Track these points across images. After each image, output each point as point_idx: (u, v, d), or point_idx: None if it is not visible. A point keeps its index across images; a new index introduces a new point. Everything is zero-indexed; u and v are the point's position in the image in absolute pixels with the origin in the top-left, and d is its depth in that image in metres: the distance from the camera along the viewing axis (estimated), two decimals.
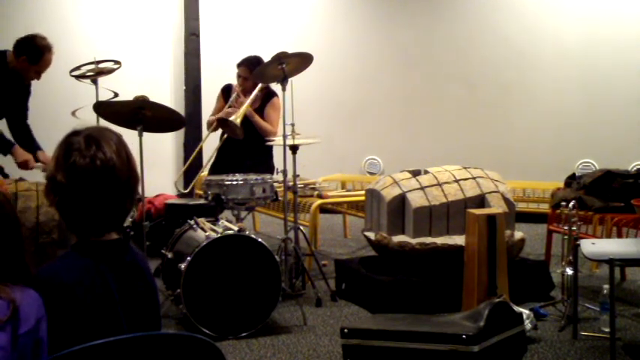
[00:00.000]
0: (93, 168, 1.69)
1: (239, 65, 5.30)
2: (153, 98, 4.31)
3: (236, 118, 4.93)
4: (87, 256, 1.74)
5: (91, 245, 1.76)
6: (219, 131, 5.42)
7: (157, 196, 5.92)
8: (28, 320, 1.52)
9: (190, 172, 6.31)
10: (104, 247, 1.76)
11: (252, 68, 5.07)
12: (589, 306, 4.15)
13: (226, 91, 5.45)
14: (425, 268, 4.32)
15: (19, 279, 1.58)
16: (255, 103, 5.23)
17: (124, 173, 1.74)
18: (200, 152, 6.21)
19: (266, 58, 4.85)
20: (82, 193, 1.70)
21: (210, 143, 5.68)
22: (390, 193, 4.48)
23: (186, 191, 5.72)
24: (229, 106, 5.26)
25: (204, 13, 8.07)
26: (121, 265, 1.77)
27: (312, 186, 5.47)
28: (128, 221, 5.60)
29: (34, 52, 4.58)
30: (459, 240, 4.26)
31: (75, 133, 1.74)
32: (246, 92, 5.20)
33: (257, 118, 5.20)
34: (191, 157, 5.85)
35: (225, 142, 5.36)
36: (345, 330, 3.12)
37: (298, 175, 4.65)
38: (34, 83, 4.90)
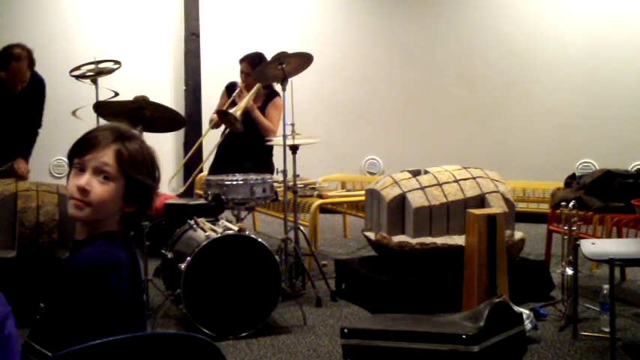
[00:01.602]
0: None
1: (241, 61, 5.32)
2: (153, 98, 4.31)
3: (236, 110, 4.95)
4: (116, 243, 1.80)
5: (122, 234, 1.83)
6: (220, 130, 5.44)
7: None
8: None
9: (189, 170, 6.30)
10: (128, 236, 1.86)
11: (254, 64, 5.11)
12: (589, 306, 4.14)
13: (230, 88, 5.46)
14: (425, 268, 4.32)
15: None
16: (257, 101, 5.25)
17: None
18: (200, 152, 6.19)
19: (266, 58, 4.86)
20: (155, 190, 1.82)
21: (210, 144, 5.67)
22: (390, 193, 4.48)
23: (182, 189, 5.71)
24: (232, 103, 5.27)
25: (204, 13, 8.08)
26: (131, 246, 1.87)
27: (312, 186, 5.47)
28: None
29: (1, 60, 4.57)
30: (459, 240, 4.26)
31: (140, 139, 1.81)
32: (249, 88, 5.22)
33: (258, 113, 5.21)
34: (189, 154, 5.82)
35: (225, 142, 5.36)
36: (345, 330, 3.12)
37: (298, 175, 4.65)
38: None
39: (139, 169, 1.76)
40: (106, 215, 1.77)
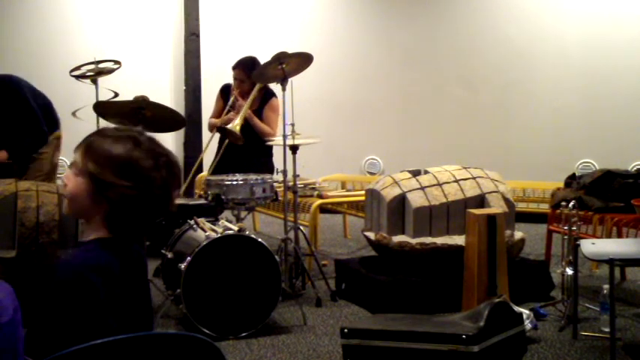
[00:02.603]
0: (162, 181, 1.77)
1: (234, 68, 5.24)
2: (153, 98, 4.31)
3: (235, 126, 4.90)
4: (106, 250, 1.77)
5: (116, 242, 1.80)
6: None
7: None
8: (8, 309, 1.52)
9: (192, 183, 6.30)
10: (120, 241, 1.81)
11: (247, 70, 5.06)
12: (589, 306, 4.15)
13: (225, 90, 5.42)
14: (425, 268, 4.32)
15: None
16: (253, 104, 5.19)
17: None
18: (200, 162, 6.18)
19: (266, 58, 4.85)
20: (149, 202, 1.76)
21: (211, 146, 5.67)
22: (390, 193, 4.48)
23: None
24: (228, 111, 5.23)
25: (204, 13, 8.08)
26: (130, 255, 1.84)
27: (312, 186, 5.47)
28: None
29: None
30: (459, 240, 4.26)
31: (137, 142, 1.76)
32: (244, 94, 5.17)
33: (256, 120, 5.17)
34: (192, 171, 5.82)
35: (225, 147, 5.34)
36: (345, 330, 3.12)
37: (298, 175, 4.65)
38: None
39: (103, 166, 1.74)
40: (81, 211, 1.79)
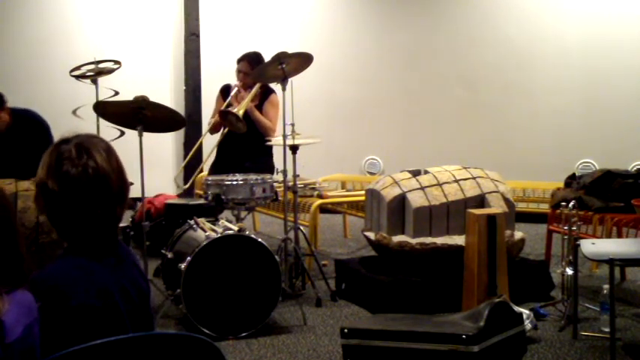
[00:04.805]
0: (85, 177, 1.70)
1: (239, 60, 5.34)
2: (153, 98, 4.30)
3: (238, 110, 4.96)
4: (81, 256, 1.74)
5: (82, 246, 1.76)
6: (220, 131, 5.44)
7: (156, 196, 5.92)
8: (15, 328, 1.48)
9: (190, 170, 6.30)
10: (95, 246, 1.77)
11: (253, 63, 5.13)
12: (589, 306, 4.15)
13: (225, 91, 5.46)
14: (425, 268, 4.32)
15: (12, 283, 1.54)
16: (254, 100, 5.26)
17: (115, 181, 1.75)
18: (200, 150, 6.19)
19: (266, 58, 4.86)
20: (74, 201, 1.71)
21: (211, 142, 5.68)
22: (390, 193, 4.48)
23: (185, 186, 5.71)
24: (229, 103, 5.27)
25: (204, 13, 8.08)
26: (114, 258, 1.79)
27: (312, 186, 5.46)
28: (128, 221, 5.62)
29: None
30: (459, 240, 4.26)
31: (65, 142, 1.75)
32: (247, 87, 5.24)
33: (257, 114, 5.24)
34: (191, 152, 5.83)
35: (225, 142, 5.36)
36: (345, 330, 3.12)
37: (298, 175, 4.65)
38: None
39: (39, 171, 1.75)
40: None
